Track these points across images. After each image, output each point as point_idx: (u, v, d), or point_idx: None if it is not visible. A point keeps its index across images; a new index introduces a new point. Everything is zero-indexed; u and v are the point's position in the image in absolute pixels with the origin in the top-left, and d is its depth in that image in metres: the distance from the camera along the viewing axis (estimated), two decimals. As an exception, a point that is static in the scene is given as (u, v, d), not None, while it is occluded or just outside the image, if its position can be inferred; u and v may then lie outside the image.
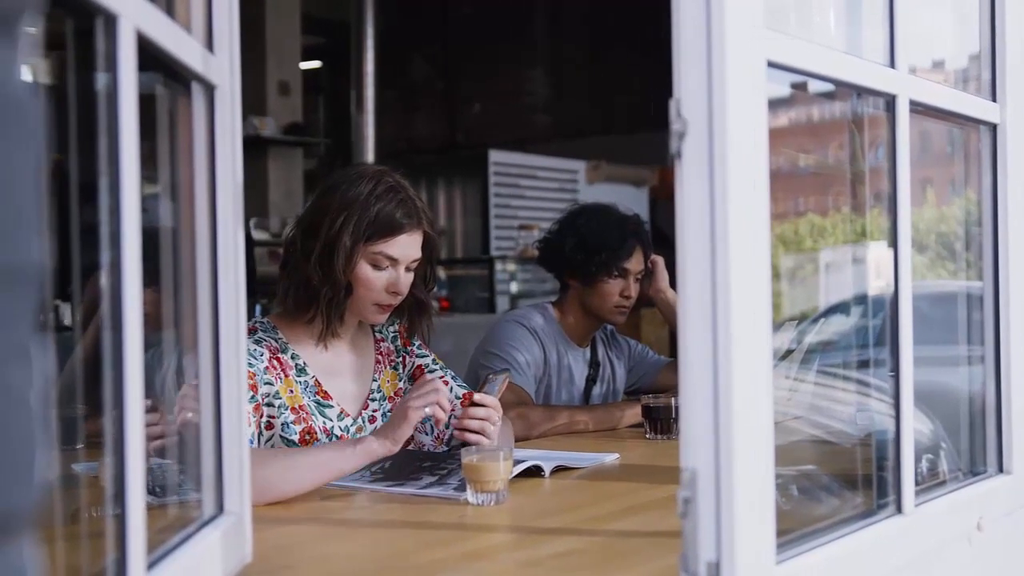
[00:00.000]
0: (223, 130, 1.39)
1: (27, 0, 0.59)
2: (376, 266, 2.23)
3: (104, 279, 1.04)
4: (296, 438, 2.19)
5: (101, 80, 1.04)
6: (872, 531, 1.49)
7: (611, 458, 2.38)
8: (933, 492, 1.68)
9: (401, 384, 2.42)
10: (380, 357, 2.42)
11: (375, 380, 2.38)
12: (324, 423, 2.24)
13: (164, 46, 1.16)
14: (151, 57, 1.14)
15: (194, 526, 1.33)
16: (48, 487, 0.62)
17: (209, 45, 1.37)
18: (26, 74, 0.59)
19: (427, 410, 2.00)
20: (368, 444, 2.01)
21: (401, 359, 2.45)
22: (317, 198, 2.29)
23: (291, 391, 2.22)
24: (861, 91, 1.58)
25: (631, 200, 6.80)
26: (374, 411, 2.35)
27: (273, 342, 2.24)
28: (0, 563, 0.57)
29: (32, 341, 0.60)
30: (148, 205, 1.13)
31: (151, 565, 1.12)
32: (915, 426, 1.59)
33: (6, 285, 0.57)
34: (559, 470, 2.21)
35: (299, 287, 2.24)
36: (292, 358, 2.26)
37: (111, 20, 1.01)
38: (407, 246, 2.24)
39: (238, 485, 1.42)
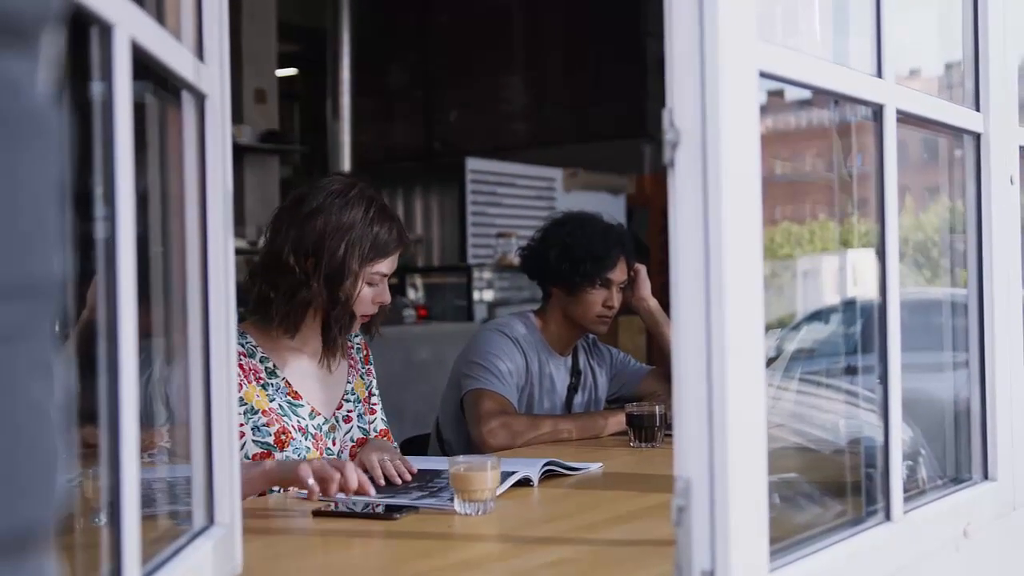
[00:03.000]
0: (213, 139, 1.39)
1: (47, 13, 0.59)
2: (370, 284, 2.33)
3: (99, 289, 1.03)
4: (271, 439, 2.26)
5: (95, 88, 1.03)
6: (862, 538, 1.49)
7: (596, 467, 2.39)
8: (920, 499, 1.68)
9: (366, 392, 2.53)
10: (352, 362, 2.51)
11: (349, 382, 2.47)
12: (298, 421, 2.30)
13: (158, 55, 1.16)
14: (142, 66, 1.13)
15: (185, 537, 1.32)
16: (67, 499, 0.62)
17: (199, 54, 1.37)
18: (46, 86, 0.59)
19: (311, 482, 1.94)
20: (268, 472, 2.08)
21: (366, 370, 2.57)
22: (304, 219, 2.29)
23: (258, 395, 2.27)
24: (850, 100, 1.59)
25: (608, 208, 6.80)
26: (348, 411, 2.44)
27: (239, 347, 2.26)
28: (26, 575, 0.56)
29: (52, 354, 0.59)
30: (137, 214, 1.12)
31: (144, 577, 1.12)
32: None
33: (28, 298, 0.57)
34: (548, 476, 2.22)
35: (300, 308, 2.29)
36: (261, 361, 2.32)
37: (106, 29, 1.01)
38: (395, 261, 2.37)
39: (228, 496, 1.41)
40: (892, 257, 1.56)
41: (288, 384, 2.33)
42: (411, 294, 7.45)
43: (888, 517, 1.55)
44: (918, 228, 2.17)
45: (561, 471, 2.27)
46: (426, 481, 2.17)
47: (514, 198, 8.27)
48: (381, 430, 2.49)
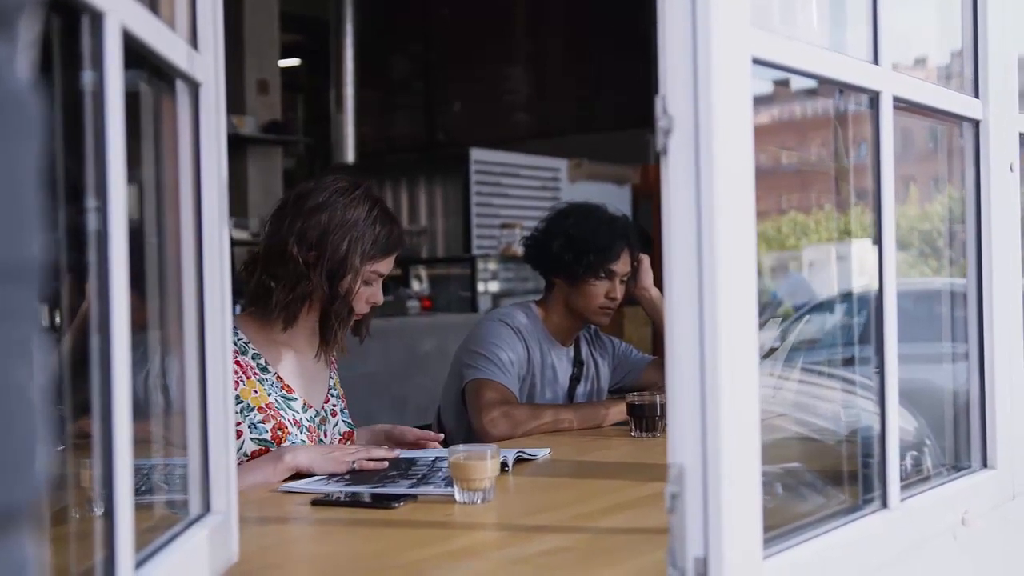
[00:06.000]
0: (208, 128, 1.39)
1: None
2: (366, 282, 2.36)
3: (91, 280, 1.04)
4: (268, 435, 2.28)
5: (87, 77, 1.03)
6: (858, 525, 1.49)
7: (544, 452, 2.42)
8: (918, 487, 1.68)
9: (342, 388, 2.57)
10: (334, 358, 2.54)
11: (331, 378, 2.52)
12: (293, 416, 2.34)
13: (150, 43, 1.16)
14: (135, 54, 1.13)
15: (181, 525, 1.33)
16: (49, 482, 0.62)
17: (193, 43, 1.37)
18: (24, 71, 0.59)
19: (355, 466, 2.16)
20: (289, 459, 2.15)
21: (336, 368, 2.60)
22: (308, 213, 2.31)
23: (255, 391, 2.30)
24: (845, 87, 1.59)
25: (613, 198, 6.81)
26: (333, 406, 2.49)
27: (232, 338, 2.27)
28: (3, 557, 0.57)
29: (34, 337, 0.60)
30: (130, 204, 1.12)
31: (139, 564, 1.12)
32: (899, 423, 1.60)
33: (9, 281, 0.57)
34: (519, 462, 2.27)
35: (299, 300, 2.32)
36: (253, 358, 2.34)
37: (97, 17, 1.01)
38: (392, 262, 2.42)
39: (224, 484, 1.41)
40: (889, 245, 1.56)
41: (280, 379, 2.36)
42: (415, 285, 7.45)
43: (885, 504, 1.55)
44: (924, 218, 2.16)
45: (525, 457, 2.33)
46: (405, 469, 2.17)
47: (518, 189, 8.26)
48: (345, 432, 2.51)
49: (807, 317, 2.47)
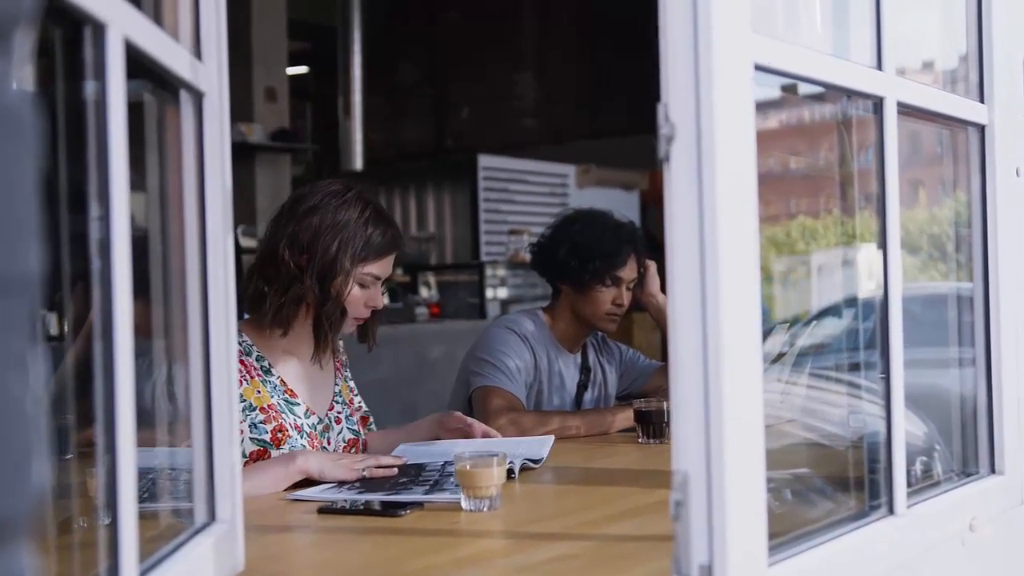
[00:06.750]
0: (212, 137, 1.39)
1: (22, 10, 0.59)
2: (362, 285, 2.36)
3: (94, 289, 1.04)
4: (268, 437, 2.28)
5: (89, 88, 1.04)
6: (864, 532, 1.49)
7: (548, 440, 2.45)
8: (925, 493, 1.68)
9: (351, 394, 2.56)
10: (339, 366, 2.55)
11: (336, 384, 2.51)
12: (294, 420, 2.34)
13: (152, 54, 1.16)
14: (139, 65, 1.14)
15: (186, 534, 1.33)
16: (45, 493, 0.62)
17: (197, 52, 1.37)
18: (21, 83, 0.59)
19: (365, 473, 2.16)
20: (300, 462, 2.14)
21: (348, 372, 2.59)
22: (300, 216, 2.33)
23: (258, 392, 2.31)
24: (849, 93, 1.58)
25: (621, 204, 6.80)
26: (338, 413, 2.49)
27: (236, 346, 2.28)
28: (0, 568, 0.57)
29: (29, 349, 0.60)
30: (135, 213, 1.13)
31: (143, 573, 1.12)
32: (908, 428, 1.59)
33: (4, 293, 0.57)
34: (524, 469, 2.26)
35: (292, 304, 2.32)
36: (257, 360, 2.35)
37: (100, 28, 1.01)
38: (389, 265, 2.40)
39: (230, 493, 1.41)
40: (894, 249, 1.56)
41: (283, 383, 2.36)
42: (424, 292, 7.45)
43: (891, 511, 1.54)
44: (933, 222, 2.16)
45: (530, 465, 2.31)
46: (415, 476, 2.17)
47: (527, 195, 8.26)
48: (350, 440, 2.50)
49: (815, 322, 2.47)
